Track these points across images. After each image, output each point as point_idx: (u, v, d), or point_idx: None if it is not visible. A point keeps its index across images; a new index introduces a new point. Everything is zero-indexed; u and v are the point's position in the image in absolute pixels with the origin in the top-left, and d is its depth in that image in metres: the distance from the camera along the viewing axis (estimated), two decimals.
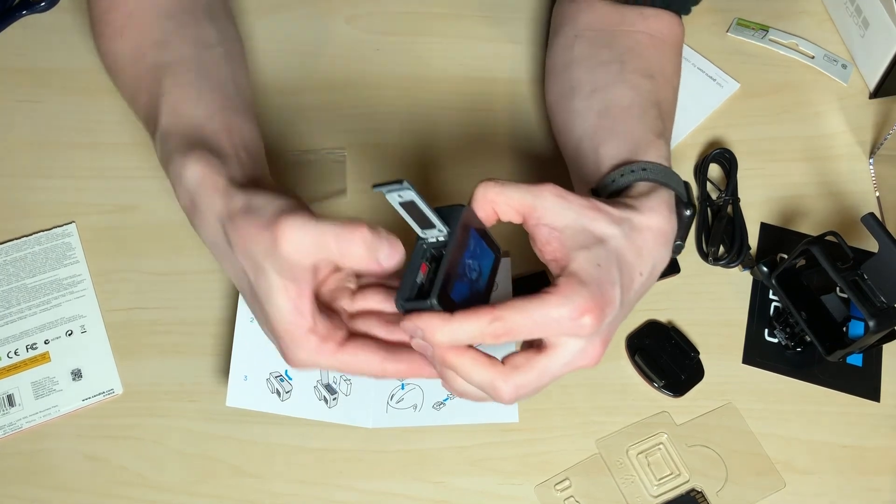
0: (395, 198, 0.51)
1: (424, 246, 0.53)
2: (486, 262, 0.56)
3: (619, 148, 0.64)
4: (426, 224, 0.53)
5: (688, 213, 0.62)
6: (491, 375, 0.52)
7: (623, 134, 0.65)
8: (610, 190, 0.62)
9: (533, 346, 0.54)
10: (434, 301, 0.51)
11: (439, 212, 0.53)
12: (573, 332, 0.52)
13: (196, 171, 0.58)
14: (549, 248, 0.55)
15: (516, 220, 0.56)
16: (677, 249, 0.62)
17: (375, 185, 0.50)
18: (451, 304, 0.52)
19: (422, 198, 0.50)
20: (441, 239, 0.53)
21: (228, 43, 0.71)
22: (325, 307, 0.56)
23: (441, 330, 0.51)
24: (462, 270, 0.54)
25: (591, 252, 0.54)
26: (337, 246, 0.51)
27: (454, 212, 0.53)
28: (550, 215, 0.54)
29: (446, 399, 0.68)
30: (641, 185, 0.61)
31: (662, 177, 0.61)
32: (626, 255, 0.55)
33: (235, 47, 0.72)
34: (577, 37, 0.73)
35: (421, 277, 0.53)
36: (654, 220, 0.58)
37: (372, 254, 0.52)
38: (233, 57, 0.70)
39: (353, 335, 0.57)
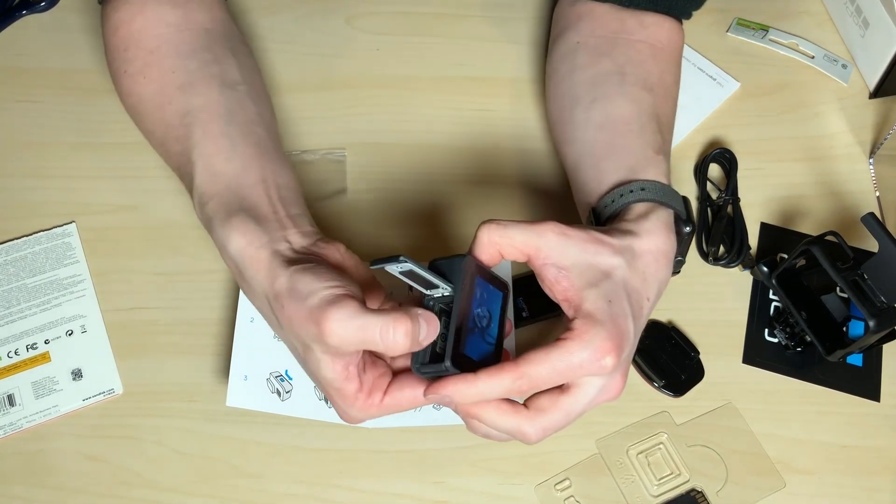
0: (395, 269, 0.52)
1: (430, 303, 0.55)
2: (494, 305, 0.58)
3: (618, 164, 0.65)
4: (430, 286, 0.54)
5: (687, 229, 0.63)
6: (517, 421, 0.54)
7: (622, 149, 0.66)
8: (609, 211, 0.63)
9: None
10: (448, 364, 0.53)
11: (439, 266, 0.55)
12: (596, 372, 0.53)
13: (239, 244, 0.59)
14: (559, 288, 0.55)
15: (521, 259, 0.56)
16: (677, 265, 0.63)
17: (373, 263, 0.52)
18: (466, 362, 0.54)
19: (420, 265, 0.52)
20: (446, 294, 0.55)
21: (250, 77, 0.70)
22: (369, 356, 0.58)
23: (466, 394, 0.53)
24: (472, 323, 0.55)
25: (600, 288, 0.55)
26: (381, 339, 0.52)
27: (454, 264, 0.55)
28: (556, 255, 0.55)
29: None
30: (639, 207, 0.62)
31: (661, 196, 0.62)
32: (632, 283, 0.57)
33: (257, 81, 0.71)
34: (579, 43, 0.73)
35: None
36: (653, 242, 0.59)
37: (414, 341, 0.52)
38: (257, 93, 0.69)
39: (397, 373, 0.59)
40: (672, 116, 0.71)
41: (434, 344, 0.54)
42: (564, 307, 0.56)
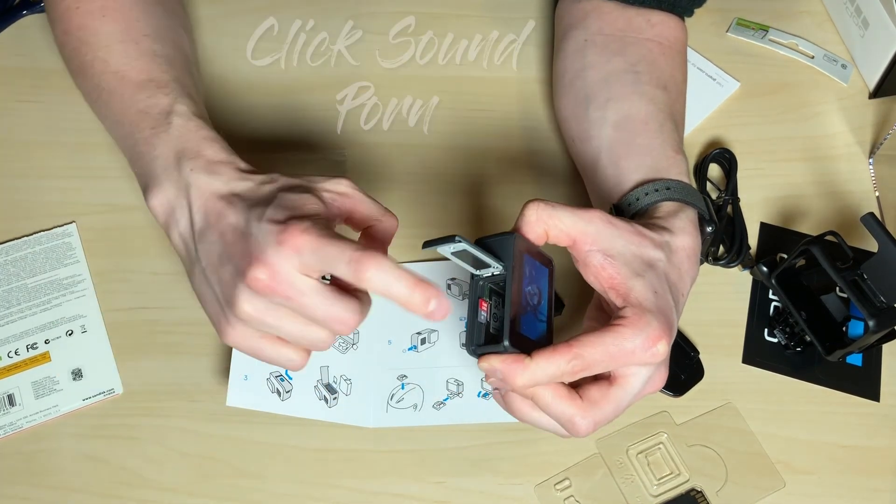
0: (448, 249, 0.51)
1: (480, 282, 0.54)
2: (543, 282, 0.57)
3: (639, 163, 0.65)
4: (480, 265, 0.53)
5: (709, 229, 0.64)
6: (572, 410, 0.54)
7: (643, 149, 0.66)
8: (634, 209, 0.63)
9: (598, 379, 0.55)
10: (507, 344, 0.52)
11: (489, 244, 0.53)
12: (647, 360, 0.53)
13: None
14: (605, 275, 0.55)
15: (565, 243, 0.56)
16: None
17: (426, 244, 0.51)
18: (523, 342, 0.53)
19: (474, 245, 0.51)
20: (496, 273, 0.54)
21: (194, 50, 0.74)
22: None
23: (521, 375, 0.52)
24: (525, 302, 0.54)
25: (645, 279, 0.55)
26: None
27: (504, 242, 0.54)
28: (603, 242, 0.55)
29: (446, 399, 0.68)
30: (667, 206, 0.62)
31: (686, 195, 0.63)
32: (671, 277, 0.57)
33: (188, 33, 0.75)
34: (587, 41, 0.73)
35: (483, 316, 0.53)
36: (686, 240, 0.59)
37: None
38: (194, 59, 0.73)
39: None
40: (683, 114, 0.72)
41: (487, 325, 0.53)
42: (611, 295, 0.55)
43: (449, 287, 0.71)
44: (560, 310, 0.71)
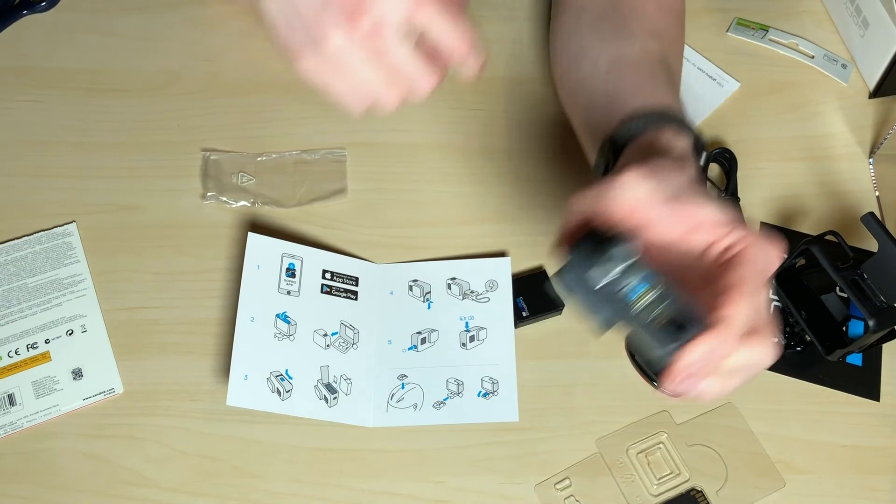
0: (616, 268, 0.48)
1: (624, 290, 0.49)
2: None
3: (632, 98, 0.64)
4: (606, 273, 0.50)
5: (703, 156, 0.62)
6: (764, 340, 0.50)
7: (635, 85, 0.65)
8: (630, 135, 0.60)
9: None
10: (700, 324, 0.49)
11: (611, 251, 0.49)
12: (774, 255, 0.51)
13: None
14: (685, 216, 0.52)
15: (624, 216, 0.53)
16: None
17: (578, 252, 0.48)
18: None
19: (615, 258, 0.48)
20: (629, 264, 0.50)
21: None
22: None
23: (732, 339, 0.49)
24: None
25: (711, 202, 0.52)
26: None
27: (618, 245, 0.49)
28: (659, 193, 0.52)
29: (446, 398, 0.68)
30: (668, 133, 0.59)
31: (680, 121, 0.61)
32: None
33: None
34: (583, 9, 0.73)
35: (651, 318, 0.49)
36: (692, 169, 0.57)
37: None
38: None
39: None
40: (679, 67, 0.71)
41: (655, 326, 0.49)
42: (700, 232, 0.52)
43: (449, 287, 0.71)
44: (560, 310, 0.71)
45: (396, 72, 0.56)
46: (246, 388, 0.65)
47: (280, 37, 0.57)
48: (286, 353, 0.67)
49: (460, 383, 0.68)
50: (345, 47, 0.54)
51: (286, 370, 0.67)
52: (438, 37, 0.55)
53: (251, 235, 0.71)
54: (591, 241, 0.49)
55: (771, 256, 0.51)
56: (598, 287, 0.49)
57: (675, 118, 0.61)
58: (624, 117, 0.61)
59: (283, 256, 0.71)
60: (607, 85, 0.67)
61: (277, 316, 0.69)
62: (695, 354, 0.49)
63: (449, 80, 0.82)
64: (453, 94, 0.81)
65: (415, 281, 0.72)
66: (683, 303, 0.49)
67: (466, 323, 0.70)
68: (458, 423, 0.67)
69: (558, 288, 0.49)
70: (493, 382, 0.68)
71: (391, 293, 0.71)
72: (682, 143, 0.59)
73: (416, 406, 0.67)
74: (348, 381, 0.68)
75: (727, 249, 0.51)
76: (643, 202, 0.51)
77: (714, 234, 0.51)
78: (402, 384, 0.68)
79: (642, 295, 0.49)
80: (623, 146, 0.60)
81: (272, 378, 0.66)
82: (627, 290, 0.49)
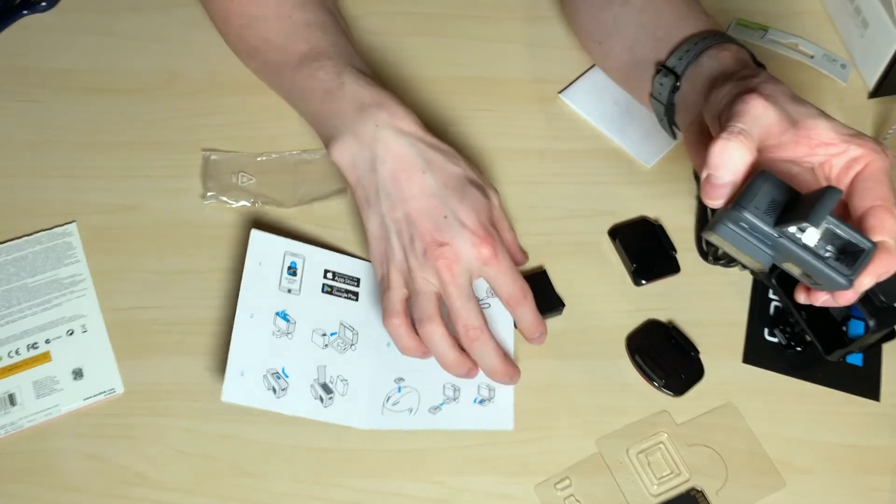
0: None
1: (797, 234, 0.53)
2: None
3: (675, 28, 0.69)
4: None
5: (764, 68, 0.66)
6: None
7: (675, 15, 0.70)
8: (689, 59, 0.66)
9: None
10: (872, 245, 0.53)
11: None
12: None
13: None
14: (816, 142, 0.56)
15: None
16: None
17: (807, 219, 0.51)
18: None
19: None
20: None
21: (335, 7, 0.78)
22: None
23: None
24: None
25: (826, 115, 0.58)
26: None
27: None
28: (789, 117, 0.57)
29: (442, 404, 0.68)
30: (730, 50, 0.65)
31: (730, 39, 0.66)
32: None
33: (339, 11, 0.79)
34: None
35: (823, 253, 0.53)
36: (782, 83, 0.61)
37: None
38: (339, 12, 0.78)
39: None
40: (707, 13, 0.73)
41: (830, 258, 0.53)
42: (828, 152, 0.56)
43: None
44: (560, 310, 0.71)
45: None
46: (241, 385, 0.65)
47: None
48: (284, 351, 0.67)
49: (457, 388, 0.68)
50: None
51: (283, 368, 0.67)
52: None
53: (254, 232, 0.70)
54: (766, 184, 0.53)
55: (891, 162, 0.55)
56: (776, 229, 0.53)
57: (726, 37, 0.67)
58: (678, 43, 0.68)
59: (285, 254, 0.71)
60: (644, 17, 0.71)
61: (277, 314, 0.69)
62: (871, 277, 0.53)
63: (450, 81, 0.83)
64: (454, 94, 0.81)
65: None
66: (849, 231, 0.52)
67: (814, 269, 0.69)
68: (456, 429, 0.67)
69: (721, 234, 0.53)
70: (490, 389, 0.68)
71: None
72: (746, 58, 0.64)
73: (411, 410, 0.67)
74: (345, 382, 0.68)
75: (849, 164, 0.55)
76: (773, 129, 0.55)
77: (833, 150, 0.56)
78: (399, 387, 0.68)
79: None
80: (682, 70, 0.66)
81: (268, 376, 0.66)
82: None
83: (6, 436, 0.66)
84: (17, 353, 0.68)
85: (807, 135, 0.56)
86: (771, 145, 0.56)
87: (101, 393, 0.67)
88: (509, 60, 0.83)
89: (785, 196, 0.53)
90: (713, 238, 0.56)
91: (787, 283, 0.69)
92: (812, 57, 0.84)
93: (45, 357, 0.68)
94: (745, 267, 0.55)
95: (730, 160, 0.54)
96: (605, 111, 0.80)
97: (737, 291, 0.73)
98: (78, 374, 0.68)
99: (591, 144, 0.79)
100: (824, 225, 0.52)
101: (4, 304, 0.70)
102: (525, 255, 0.72)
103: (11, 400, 0.67)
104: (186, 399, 0.68)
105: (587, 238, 0.75)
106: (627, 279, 0.73)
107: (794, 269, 0.55)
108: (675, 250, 0.74)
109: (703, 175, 0.55)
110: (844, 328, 0.68)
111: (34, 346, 0.69)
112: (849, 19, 0.84)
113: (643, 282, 0.73)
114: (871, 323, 0.62)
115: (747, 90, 0.57)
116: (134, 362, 0.69)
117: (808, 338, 0.68)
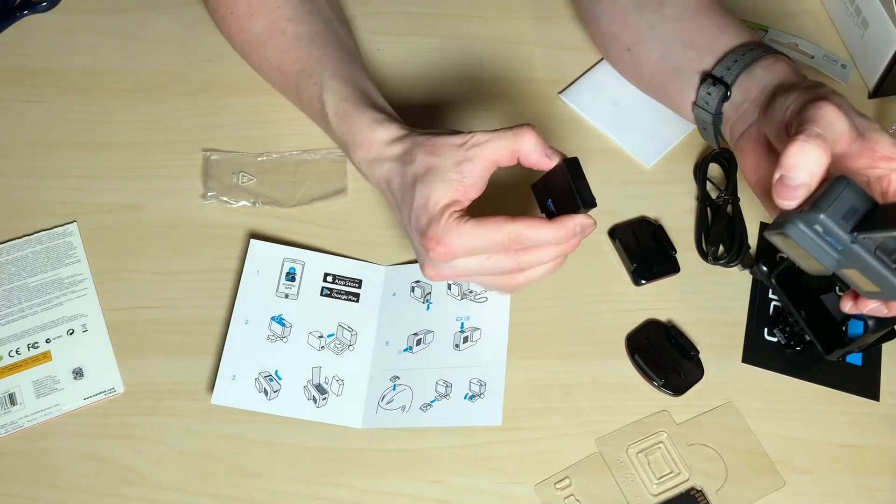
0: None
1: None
2: None
3: (716, 39, 0.70)
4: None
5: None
6: None
7: (715, 25, 0.71)
8: (739, 68, 0.66)
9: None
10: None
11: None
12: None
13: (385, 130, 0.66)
14: (879, 154, 0.57)
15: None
16: None
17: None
18: None
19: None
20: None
21: (338, 11, 0.79)
22: None
23: None
24: None
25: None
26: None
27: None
28: (853, 126, 0.57)
29: (433, 401, 0.67)
30: (783, 61, 0.66)
31: (777, 51, 0.67)
32: None
33: (340, 13, 0.80)
34: None
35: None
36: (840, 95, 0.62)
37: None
38: (342, 23, 0.79)
39: None
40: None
41: (891, 261, 0.53)
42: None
43: (449, 287, 0.71)
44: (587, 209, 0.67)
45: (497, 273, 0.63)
46: (232, 389, 0.66)
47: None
48: (278, 354, 0.68)
49: (449, 385, 0.68)
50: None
51: (276, 371, 0.67)
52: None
53: (253, 242, 0.71)
54: (847, 190, 0.53)
55: None
56: (852, 235, 0.53)
57: (773, 48, 0.67)
58: (723, 53, 0.69)
59: (283, 261, 0.71)
60: (680, 25, 0.72)
61: (272, 318, 0.69)
62: None
63: (449, 81, 0.83)
64: (453, 94, 0.81)
65: (417, 282, 0.72)
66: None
67: (462, 323, 0.70)
68: (456, 426, 0.67)
69: (791, 234, 0.53)
70: (481, 384, 0.68)
71: (393, 295, 0.71)
72: (799, 69, 0.65)
73: (404, 408, 0.67)
74: (340, 383, 0.68)
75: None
76: (843, 138, 0.56)
77: (894, 164, 0.56)
78: (394, 386, 0.68)
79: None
80: (732, 80, 0.67)
81: (260, 378, 0.67)
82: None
83: (6, 435, 0.66)
84: (17, 352, 0.68)
85: (871, 147, 0.56)
86: (837, 153, 0.57)
87: (101, 393, 0.68)
88: (509, 61, 0.83)
89: (863, 204, 0.54)
90: (776, 238, 0.56)
91: (787, 283, 0.69)
92: (812, 57, 0.84)
93: (46, 357, 0.68)
94: (797, 265, 0.56)
95: (807, 162, 0.54)
96: (605, 111, 0.80)
97: (736, 291, 0.73)
98: (78, 373, 0.68)
99: (591, 144, 0.79)
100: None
101: (5, 304, 0.70)
102: (554, 151, 0.64)
103: (11, 399, 0.67)
104: (186, 399, 0.68)
105: (587, 238, 0.75)
106: (627, 279, 0.73)
107: (851, 276, 0.55)
108: (675, 250, 0.74)
109: (776, 176, 0.55)
110: (844, 328, 0.68)
111: (34, 345, 0.69)
112: (849, 19, 0.84)
113: (643, 282, 0.73)
114: (871, 323, 0.62)
115: (818, 98, 0.57)
116: (134, 362, 0.69)
117: (808, 337, 0.68)
